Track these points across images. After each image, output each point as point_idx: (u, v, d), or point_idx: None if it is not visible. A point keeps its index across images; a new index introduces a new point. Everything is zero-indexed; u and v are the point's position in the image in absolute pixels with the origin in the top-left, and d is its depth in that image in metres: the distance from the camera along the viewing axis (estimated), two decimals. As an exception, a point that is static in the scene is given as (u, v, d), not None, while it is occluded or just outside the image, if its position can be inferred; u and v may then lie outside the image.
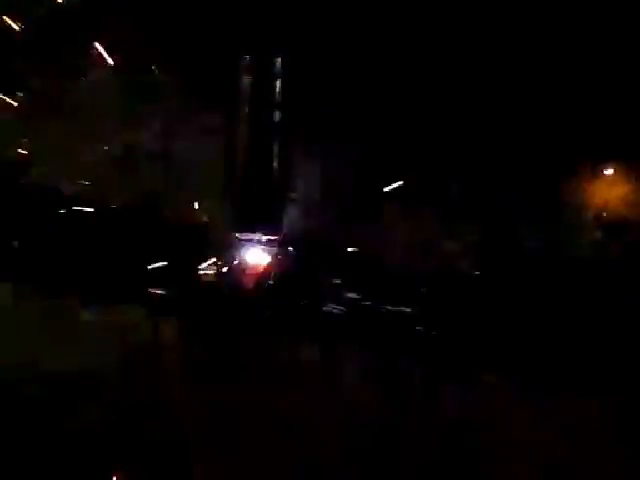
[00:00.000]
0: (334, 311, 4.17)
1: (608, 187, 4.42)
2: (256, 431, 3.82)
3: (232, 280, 4.25)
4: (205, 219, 4.35)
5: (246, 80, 3.87)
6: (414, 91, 4.57)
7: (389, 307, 4.16)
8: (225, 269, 4.28)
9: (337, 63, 4.43)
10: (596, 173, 4.41)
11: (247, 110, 3.91)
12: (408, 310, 4.15)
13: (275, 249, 4.29)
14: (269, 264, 4.28)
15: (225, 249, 4.28)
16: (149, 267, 4.25)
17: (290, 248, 4.30)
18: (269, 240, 4.24)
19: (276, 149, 4.03)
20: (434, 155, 4.51)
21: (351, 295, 4.20)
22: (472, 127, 4.52)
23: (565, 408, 3.88)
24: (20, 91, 4.56)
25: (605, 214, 4.42)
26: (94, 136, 4.43)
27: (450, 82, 4.53)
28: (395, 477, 3.71)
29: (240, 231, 4.25)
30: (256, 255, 4.29)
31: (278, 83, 3.88)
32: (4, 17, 4.59)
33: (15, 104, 4.59)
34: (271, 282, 4.25)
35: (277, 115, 3.95)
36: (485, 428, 3.82)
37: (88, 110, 4.47)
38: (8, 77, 4.53)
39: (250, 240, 4.27)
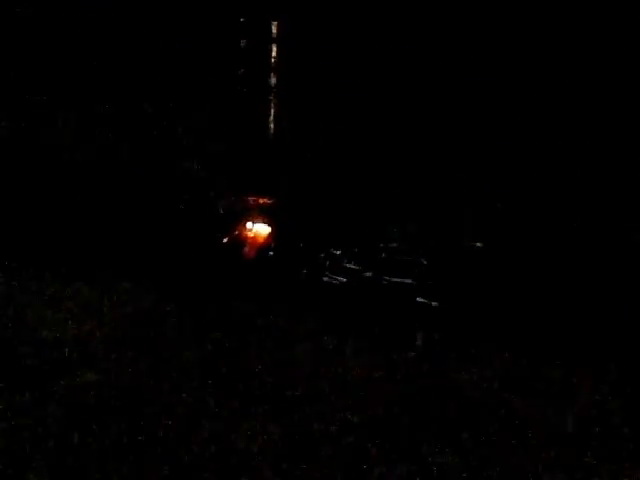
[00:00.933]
0: (334, 282, 4.14)
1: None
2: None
3: (234, 248, 4.22)
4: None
5: (243, 43, 3.84)
6: (408, 64, 4.56)
7: (390, 278, 4.14)
8: (226, 238, 4.26)
9: (336, 32, 4.42)
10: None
11: (243, 73, 3.88)
12: (409, 281, 4.12)
13: (274, 216, 4.26)
14: (270, 232, 4.26)
15: (227, 216, 4.26)
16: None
17: (289, 215, 4.28)
18: (267, 204, 4.21)
19: (273, 113, 3.99)
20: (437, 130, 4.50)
21: (351, 266, 4.18)
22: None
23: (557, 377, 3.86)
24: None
25: None
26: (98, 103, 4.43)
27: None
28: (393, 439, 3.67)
29: (238, 195, 4.23)
30: (256, 223, 4.27)
31: (274, 47, 3.86)
32: None
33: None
34: (271, 252, 4.23)
35: (273, 78, 3.92)
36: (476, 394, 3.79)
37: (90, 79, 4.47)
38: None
39: (249, 205, 4.24)
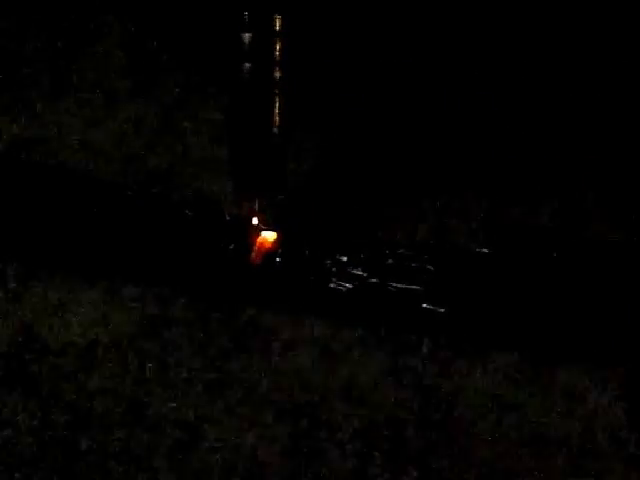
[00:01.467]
0: (340, 288, 4.13)
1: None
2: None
3: (240, 254, 4.21)
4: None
5: (247, 37, 3.79)
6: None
7: (396, 284, 4.13)
8: (232, 244, 4.25)
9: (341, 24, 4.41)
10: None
11: (248, 68, 3.84)
12: (415, 287, 4.11)
13: (279, 219, 4.24)
14: (276, 239, 4.25)
15: (233, 222, 4.25)
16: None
17: (293, 219, 4.27)
18: (271, 208, 4.20)
19: (277, 109, 3.94)
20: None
21: (357, 272, 4.17)
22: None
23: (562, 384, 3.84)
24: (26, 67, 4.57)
25: None
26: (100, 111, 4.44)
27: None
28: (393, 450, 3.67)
29: (242, 198, 4.21)
30: (262, 228, 4.26)
31: (279, 40, 3.80)
32: None
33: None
34: (278, 259, 4.22)
35: (278, 73, 3.87)
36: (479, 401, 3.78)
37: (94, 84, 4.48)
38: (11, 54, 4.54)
39: (253, 210, 4.22)
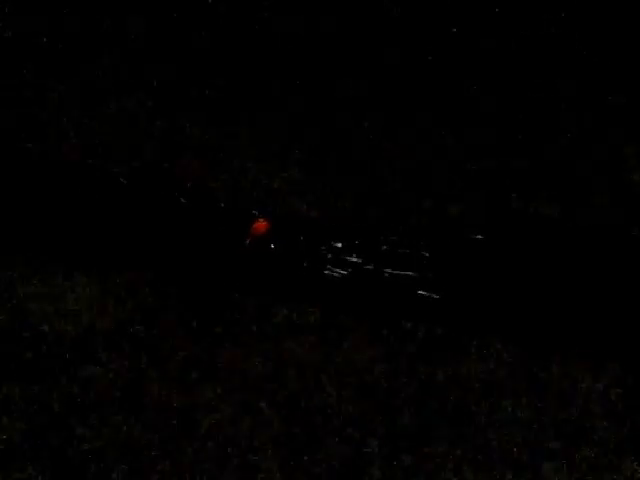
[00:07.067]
0: (335, 275, 4.13)
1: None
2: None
3: (235, 241, 4.21)
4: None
5: None
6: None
7: (391, 271, 4.12)
8: (227, 231, 4.24)
9: None
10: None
11: None
12: (410, 274, 4.11)
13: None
14: (271, 225, 4.24)
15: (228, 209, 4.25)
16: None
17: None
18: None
19: None
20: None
21: (352, 258, 4.16)
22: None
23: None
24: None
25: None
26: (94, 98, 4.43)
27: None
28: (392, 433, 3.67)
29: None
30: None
31: None
32: None
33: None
34: (273, 245, 4.22)
35: None
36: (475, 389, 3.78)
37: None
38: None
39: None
